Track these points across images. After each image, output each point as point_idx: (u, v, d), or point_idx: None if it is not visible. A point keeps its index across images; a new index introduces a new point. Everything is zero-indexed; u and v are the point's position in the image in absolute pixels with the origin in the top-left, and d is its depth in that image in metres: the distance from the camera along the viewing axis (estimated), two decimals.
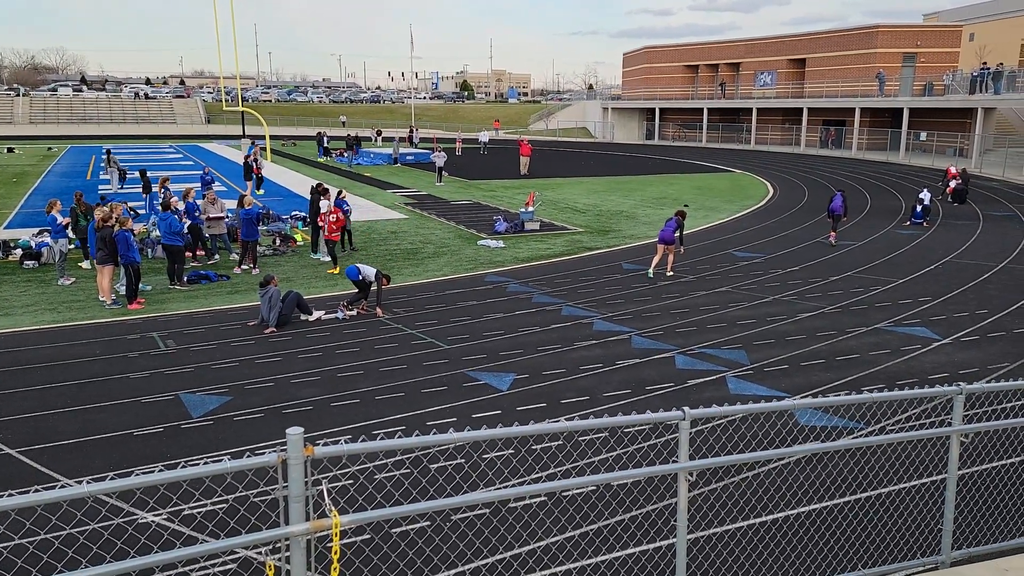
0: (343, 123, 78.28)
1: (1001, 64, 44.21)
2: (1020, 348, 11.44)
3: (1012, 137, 43.10)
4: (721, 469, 7.23)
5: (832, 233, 20.60)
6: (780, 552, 5.95)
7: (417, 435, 3.75)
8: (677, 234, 16.43)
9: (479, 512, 6.45)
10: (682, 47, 71.19)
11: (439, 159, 35.56)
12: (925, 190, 25.43)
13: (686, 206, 16.29)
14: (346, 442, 3.65)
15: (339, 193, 19.58)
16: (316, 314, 13.09)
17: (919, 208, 24.06)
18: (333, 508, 3.57)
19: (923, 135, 48.32)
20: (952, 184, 28.74)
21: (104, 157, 34.99)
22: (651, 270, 16.66)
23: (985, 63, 46.19)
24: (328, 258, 18.37)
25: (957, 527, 5.51)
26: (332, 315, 13.22)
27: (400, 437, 3.84)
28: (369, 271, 13.56)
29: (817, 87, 56.34)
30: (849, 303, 14.19)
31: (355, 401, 9.38)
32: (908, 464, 7.35)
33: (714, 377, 10.32)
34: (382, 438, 3.78)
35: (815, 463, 7.50)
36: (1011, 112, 47.77)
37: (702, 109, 64.32)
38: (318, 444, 3.70)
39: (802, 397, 9.44)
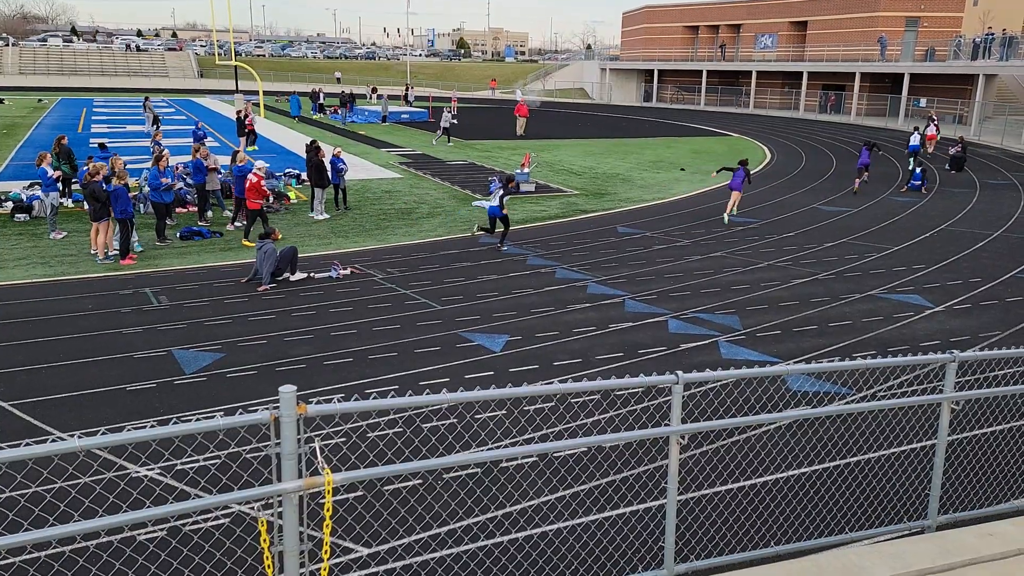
0: (338, 80, 77.24)
1: (1005, 30, 43.71)
2: (1012, 316, 11.49)
3: (1012, 105, 42.80)
4: (712, 432, 7.28)
5: (857, 180, 22.72)
6: (768, 515, 6.02)
7: (410, 395, 3.74)
8: (747, 181, 18.66)
9: (471, 471, 6.50)
10: (683, 7, 70.08)
11: (446, 120, 35.12)
12: (915, 132, 25.78)
13: (745, 162, 19.00)
14: (339, 401, 3.64)
15: (334, 151, 19.38)
16: (299, 275, 12.89)
17: (918, 170, 24.08)
18: (326, 466, 3.57)
19: (923, 101, 47.95)
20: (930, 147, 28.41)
21: (142, 103, 37.45)
22: (727, 215, 18.78)
23: (990, 28, 45.65)
24: (323, 216, 18.24)
25: (944, 492, 5.58)
26: (325, 274, 13.16)
27: (393, 396, 3.83)
28: None
29: (818, 51, 55.68)
30: (843, 270, 14.20)
31: (348, 360, 9.38)
32: (898, 430, 7.41)
33: (707, 342, 10.35)
34: (375, 397, 3.77)
35: (806, 428, 7.56)
36: (1012, 79, 47.37)
37: (701, 71, 63.61)
38: (311, 402, 3.69)
39: (794, 363, 9.48)
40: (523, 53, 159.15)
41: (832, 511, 5.96)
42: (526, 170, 23.09)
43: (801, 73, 55.28)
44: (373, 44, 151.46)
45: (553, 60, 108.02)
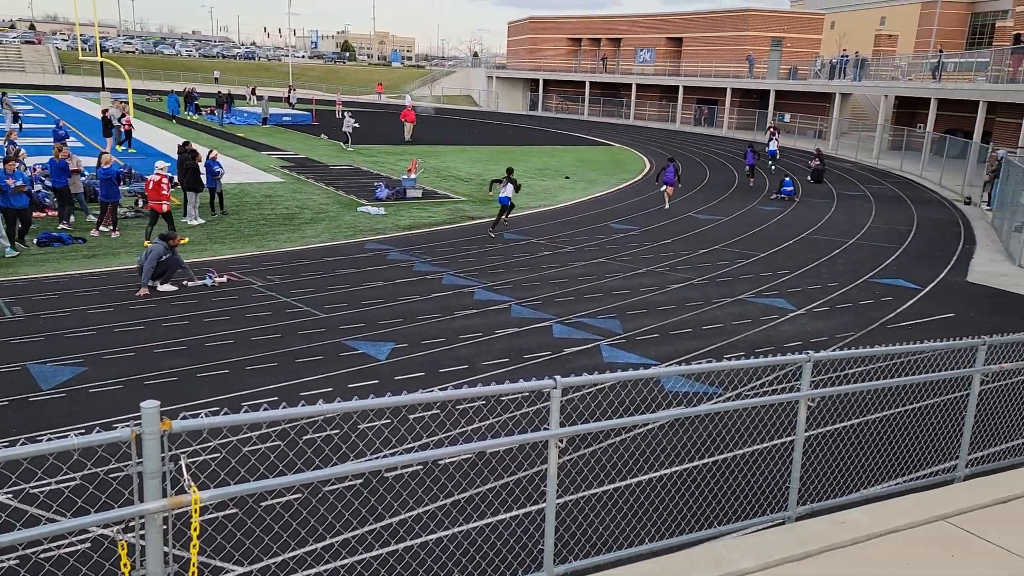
0: (216, 79, 74.20)
1: (858, 52, 47.28)
2: (864, 318, 12.41)
3: (865, 122, 46.34)
4: (590, 435, 7.47)
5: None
6: (644, 513, 6.24)
7: (284, 407, 3.64)
8: (677, 176, 22.84)
9: (350, 483, 6.39)
10: (566, 19, 71.76)
11: (348, 125, 34.53)
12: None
13: (672, 159, 23.73)
14: (207, 415, 3.50)
15: (210, 153, 18.62)
16: (168, 286, 12.24)
17: (787, 178, 25.98)
18: (192, 484, 3.43)
19: (787, 116, 51.13)
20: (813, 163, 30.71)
21: None
22: (666, 205, 22.52)
23: (844, 51, 49.25)
24: (197, 221, 17.52)
25: (803, 484, 5.95)
26: (199, 282, 12.61)
27: (265, 409, 3.72)
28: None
29: (693, 66, 58.34)
30: (716, 275, 14.92)
31: (224, 371, 9.02)
32: (763, 427, 7.86)
33: (589, 346, 10.61)
34: (246, 410, 3.65)
35: (679, 427, 7.89)
36: (864, 99, 51.23)
37: (584, 82, 65.29)
38: (178, 418, 3.53)
39: (670, 364, 9.87)
40: (410, 58, 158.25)
41: (702, 507, 6.24)
42: (413, 176, 22.96)
43: (677, 87, 57.76)
44: (253, 44, 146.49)
45: (440, 66, 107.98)
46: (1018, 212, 17.84)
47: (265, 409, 3.74)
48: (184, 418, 3.53)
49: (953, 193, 27.91)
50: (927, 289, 14.39)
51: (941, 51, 39.63)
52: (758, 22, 56.56)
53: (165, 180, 15.17)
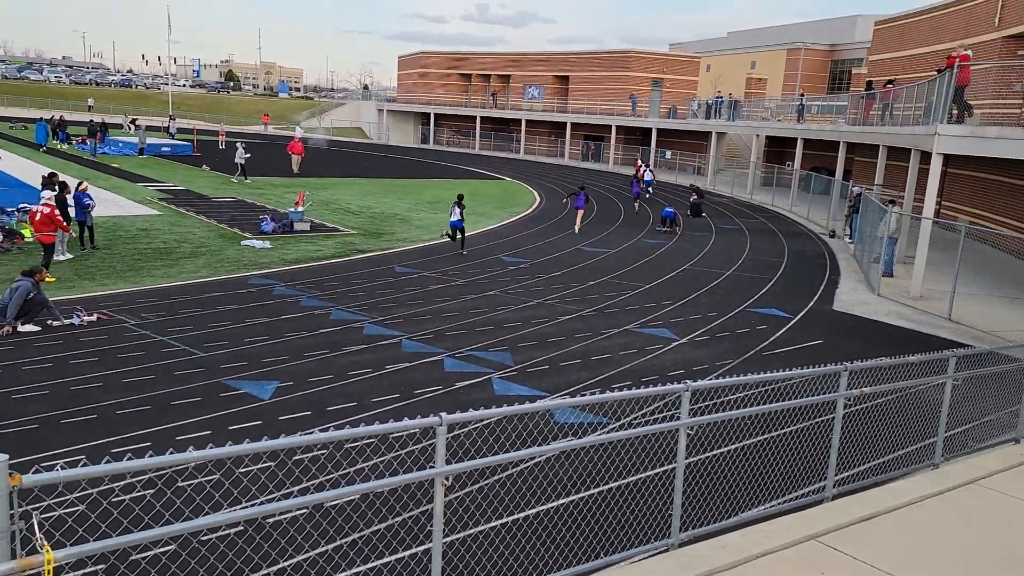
0: (90, 107, 70.53)
1: (731, 94, 50.19)
2: (741, 346, 13.01)
3: (739, 160, 49.11)
4: (477, 471, 7.44)
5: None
6: (531, 548, 6.25)
7: (150, 455, 3.44)
8: (587, 200, 26.53)
9: (224, 533, 6.08)
10: (456, 55, 72.71)
11: (240, 156, 33.49)
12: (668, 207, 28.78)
13: (583, 186, 27.42)
14: (62, 468, 3.26)
15: (79, 185, 17.63)
16: (30, 327, 11.42)
17: (668, 208, 28.09)
18: (46, 543, 3.17)
19: (668, 153, 53.50)
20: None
21: None
22: (576, 228, 25.17)
23: (719, 92, 52.17)
24: (65, 256, 16.48)
25: (686, 511, 6.12)
26: (66, 321, 11.81)
27: (130, 458, 3.51)
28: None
29: (579, 103, 60.26)
30: (604, 306, 15.30)
31: (92, 417, 8.46)
32: (648, 455, 8.06)
33: (481, 379, 10.62)
34: (108, 460, 3.43)
35: (571, 458, 7.97)
36: (738, 138, 54.32)
37: (475, 117, 66.14)
38: (31, 471, 3.27)
39: (560, 396, 9.99)
40: (298, 89, 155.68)
41: (589, 538, 6.31)
42: (300, 208, 22.48)
43: (565, 123, 59.43)
44: (130, 71, 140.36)
45: (330, 98, 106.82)
46: (875, 245, 19.28)
47: (130, 458, 3.52)
48: (38, 471, 3.28)
49: (819, 227, 29.87)
50: (797, 318, 15.27)
51: (803, 95, 42.64)
52: (639, 63, 59.19)
53: (56, 210, 15.03)
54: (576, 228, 25.10)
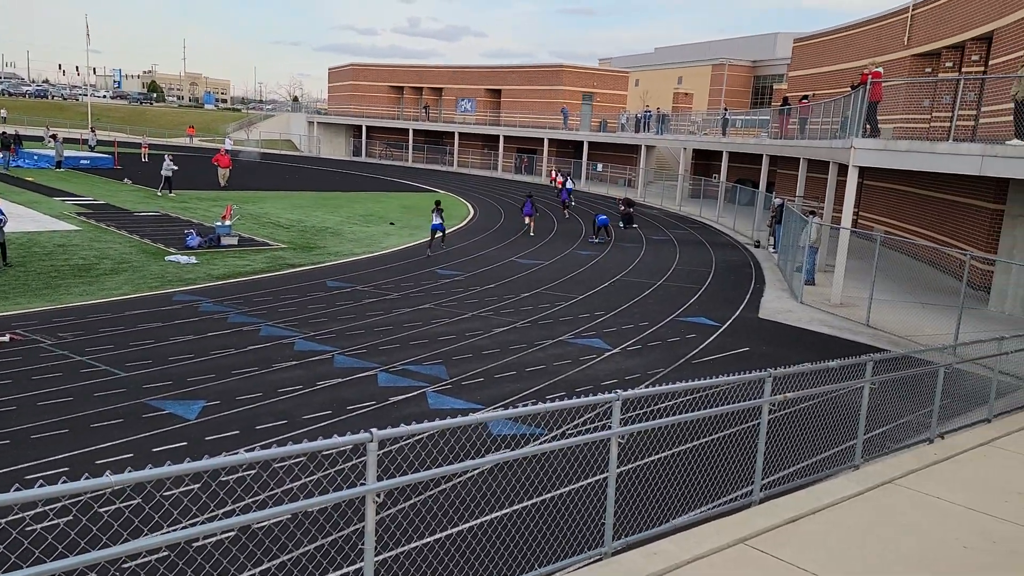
0: (3, 119, 67.48)
1: (659, 108, 51.36)
2: (672, 355, 13.27)
3: (668, 172, 50.23)
4: (410, 487, 7.37)
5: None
6: (464, 562, 6.21)
7: (64, 482, 3.30)
8: (535, 209, 28.24)
9: (145, 560, 5.86)
10: (388, 68, 72.37)
11: (167, 169, 32.54)
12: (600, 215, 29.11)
13: (531, 195, 29.34)
14: None
15: None
16: None
17: (600, 215, 28.83)
18: None
19: (600, 166, 54.32)
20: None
21: None
22: (531, 233, 27.52)
23: (648, 106, 53.32)
24: None
25: (617, 519, 6.18)
26: None
27: (41, 485, 3.35)
28: None
29: (511, 116, 60.70)
30: (538, 318, 15.39)
31: (4, 442, 8.05)
32: (583, 465, 8.13)
33: (415, 393, 10.54)
34: (18, 488, 3.27)
35: (506, 470, 7.97)
36: (667, 151, 55.59)
37: (408, 130, 65.88)
38: None
39: (495, 408, 9.99)
40: (224, 100, 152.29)
41: (523, 550, 6.31)
42: (228, 222, 21.96)
43: (498, 136, 59.75)
44: (45, 81, 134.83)
45: (258, 110, 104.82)
46: (797, 254, 19.97)
47: (41, 484, 3.37)
48: None
49: (745, 237, 30.76)
50: (725, 325, 15.67)
51: (726, 109, 43.98)
52: (570, 77, 60.03)
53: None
54: (531, 232, 27.72)
